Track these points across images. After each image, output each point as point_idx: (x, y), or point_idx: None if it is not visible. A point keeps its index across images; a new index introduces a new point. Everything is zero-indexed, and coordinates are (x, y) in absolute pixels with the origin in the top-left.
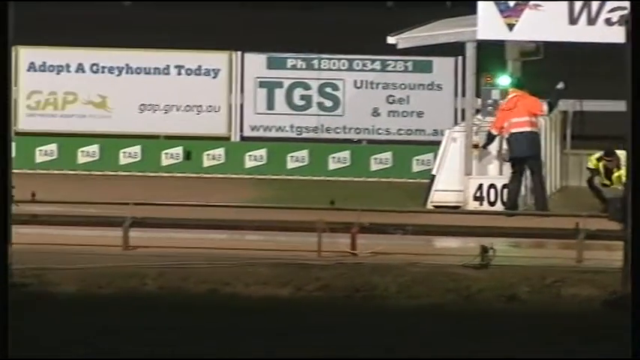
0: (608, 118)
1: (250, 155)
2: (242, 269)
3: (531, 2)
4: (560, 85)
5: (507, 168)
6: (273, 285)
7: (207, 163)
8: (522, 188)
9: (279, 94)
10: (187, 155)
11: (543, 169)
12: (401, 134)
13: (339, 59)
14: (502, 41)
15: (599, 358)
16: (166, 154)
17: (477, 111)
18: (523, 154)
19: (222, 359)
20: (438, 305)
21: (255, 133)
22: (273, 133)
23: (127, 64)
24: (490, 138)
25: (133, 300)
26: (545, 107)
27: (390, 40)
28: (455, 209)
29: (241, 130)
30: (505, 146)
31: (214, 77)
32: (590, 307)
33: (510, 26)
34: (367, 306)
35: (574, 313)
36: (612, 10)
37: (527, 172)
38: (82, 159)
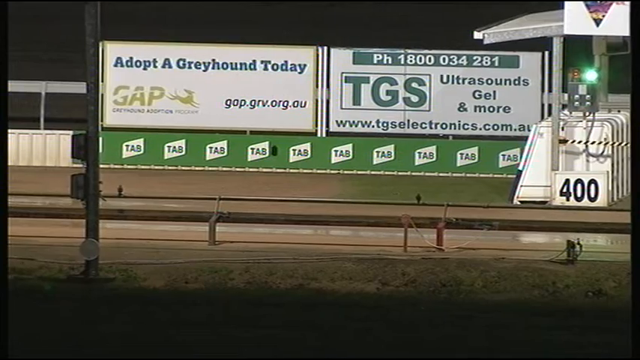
0: None
1: (336, 150)
2: (328, 264)
3: None
4: None
5: (594, 163)
6: (360, 280)
7: (293, 158)
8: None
9: (365, 90)
10: (274, 150)
11: None
12: (487, 129)
13: (426, 54)
14: (589, 36)
15: (599, 358)
16: (252, 149)
17: (564, 106)
18: None
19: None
20: (524, 300)
21: (341, 129)
22: (359, 129)
23: (213, 60)
24: None
25: (219, 294)
26: None
27: (477, 35)
28: (541, 204)
29: (327, 125)
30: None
31: (300, 72)
32: None
33: (597, 21)
34: (453, 301)
35: None
36: None
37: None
38: (168, 154)
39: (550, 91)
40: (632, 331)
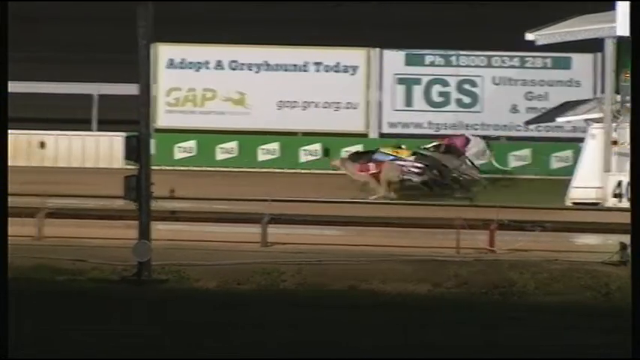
0: None
1: None
2: (379, 266)
3: None
4: None
5: None
6: (411, 281)
7: None
8: None
9: (418, 91)
10: (326, 152)
11: None
12: (539, 131)
13: (478, 56)
14: None
15: (599, 358)
16: (304, 150)
17: None
18: None
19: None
20: (577, 302)
21: (393, 130)
22: (411, 130)
23: (265, 61)
24: None
25: (271, 296)
26: None
27: (529, 36)
28: (594, 206)
29: (379, 126)
30: None
31: (352, 74)
32: None
33: None
34: (506, 302)
35: None
36: None
37: None
38: (220, 156)
39: (603, 92)
40: (633, 331)
